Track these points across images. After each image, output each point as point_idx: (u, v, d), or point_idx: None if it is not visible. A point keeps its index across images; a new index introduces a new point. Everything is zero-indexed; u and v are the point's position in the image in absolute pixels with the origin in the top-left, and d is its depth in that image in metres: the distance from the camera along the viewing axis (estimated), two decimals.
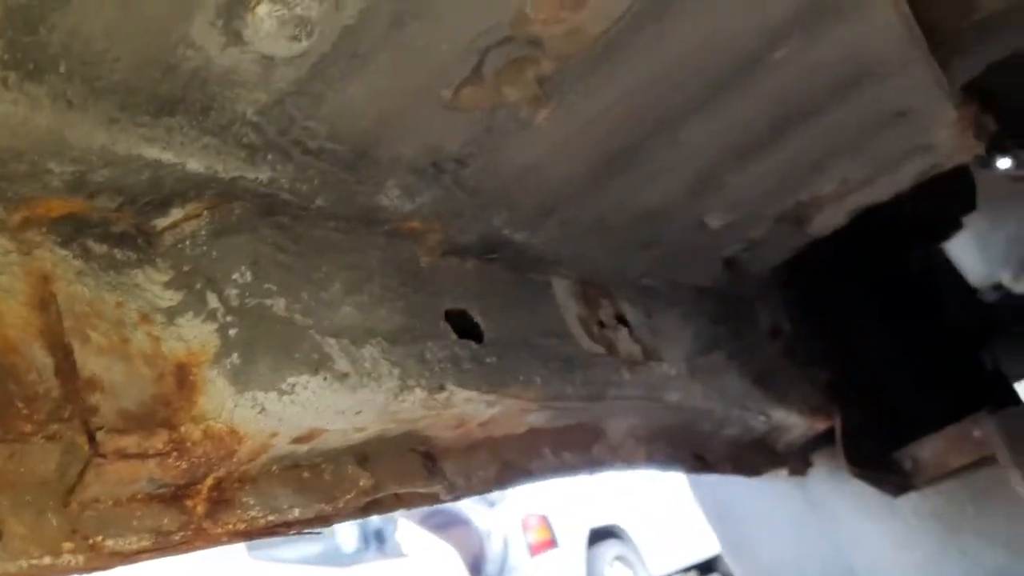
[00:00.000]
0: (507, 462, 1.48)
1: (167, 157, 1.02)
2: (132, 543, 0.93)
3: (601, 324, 1.79)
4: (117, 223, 1.04)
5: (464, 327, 1.39)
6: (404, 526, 9.82)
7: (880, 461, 2.74)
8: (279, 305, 1.08)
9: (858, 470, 2.64)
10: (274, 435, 1.05)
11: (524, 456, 1.53)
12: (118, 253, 1.03)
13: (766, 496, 3.02)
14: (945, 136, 2.05)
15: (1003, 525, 2.64)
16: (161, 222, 1.08)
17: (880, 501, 2.77)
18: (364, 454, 1.21)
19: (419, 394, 1.19)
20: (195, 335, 1.03)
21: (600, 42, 1.24)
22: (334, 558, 9.27)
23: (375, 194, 1.29)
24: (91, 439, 0.89)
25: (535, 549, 10.19)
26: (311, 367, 1.05)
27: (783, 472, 2.66)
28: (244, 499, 1.05)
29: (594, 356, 1.68)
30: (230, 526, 1.02)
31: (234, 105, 1.04)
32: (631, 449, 1.90)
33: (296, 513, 1.10)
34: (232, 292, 1.05)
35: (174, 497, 0.99)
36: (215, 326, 1.03)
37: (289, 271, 1.13)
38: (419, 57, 1.12)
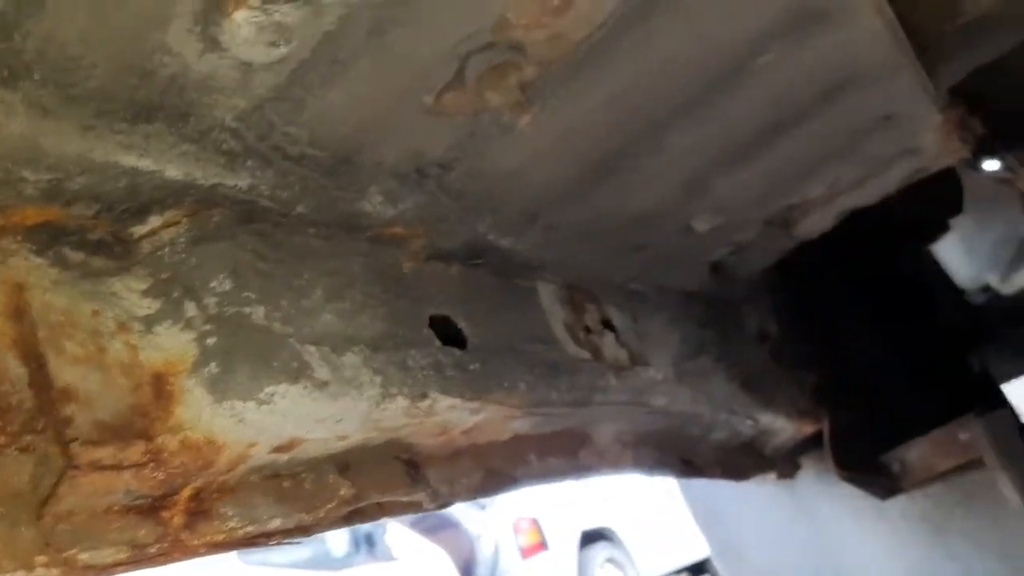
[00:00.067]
0: (492, 469, 1.47)
1: (145, 164, 1.01)
2: (107, 556, 0.92)
3: (587, 329, 1.79)
4: (94, 231, 1.03)
5: (448, 333, 1.39)
6: (394, 529, 9.79)
7: (869, 464, 2.74)
8: (258, 313, 1.07)
9: (846, 473, 2.64)
10: (253, 445, 1.04)
11: (509, 463, 1.52)
12: (95, 261, 1.02)
13: (755, 499, 3.02)
14: (931, 140, 2.05)
15: (990, 527, 2.64)
16: (139, 230, 1.07)
17: (869, 504, 2.77)
18: (346, 462, 1.20)
19: (401, 402, 1.18)
20: (173, 344, 1.01)
21: (583, 48, 1.23)
22: (324, 562, 9.24)
23: (357, 200, 1.28)
24: (65, 450, 0.88)
25: (526, 552, 10.17)
26: (290, 376, 1.04)
27: (771, 476, 2.66)
28: (223, 510, 1.03)
29: (580, 361, 1.67)
30: (208, 537, 1.01)
31: (213, 111, 1.03)
32: (618, 454, 1.89)
33: (276, 523, 1.09)
34: (211, 300, 1.04)
35: (151, 508, 0.98)
36: (193, 335, 1.02)
37: (269, 278, 1.12)
38: (401, 63, 1.11)
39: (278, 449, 1.08)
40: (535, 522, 10.34)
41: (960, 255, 3.88)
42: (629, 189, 1.66)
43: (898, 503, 2.76)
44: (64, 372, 0.91)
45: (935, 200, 3.02)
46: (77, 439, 0.88)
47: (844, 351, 2.99)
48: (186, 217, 1.08)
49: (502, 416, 1.42)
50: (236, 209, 1.12)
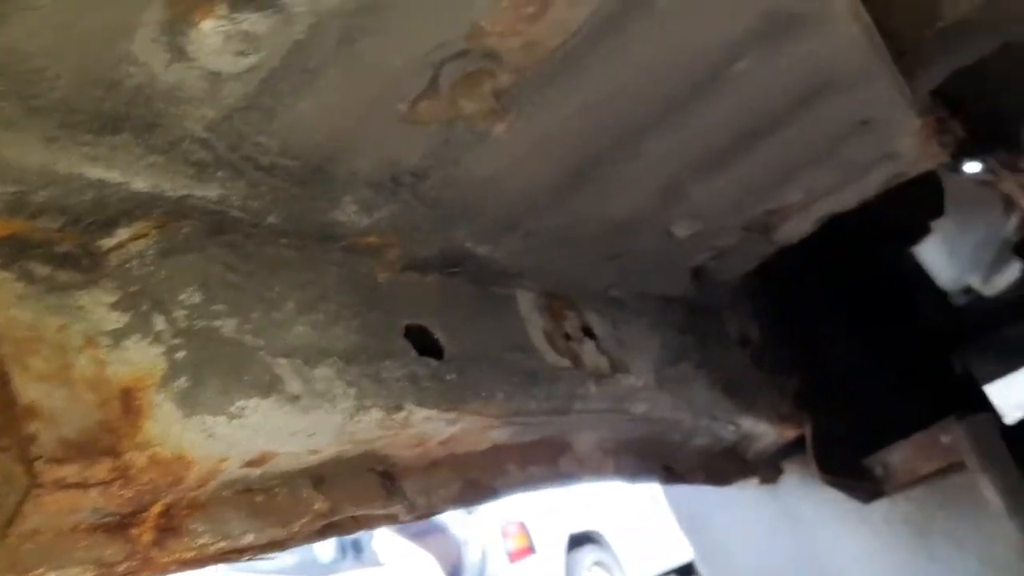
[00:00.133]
0: (470, 479, 1.46)
1: (112, 176, 0.99)
2: (75, 575, 0.90)
3: (567, 337, 1.78)
4: (60, 244, 1.01)
5: (425, 343, 1.37)
6: (381, 535, 9.76)
7: (851, 468, 2.74)
8: (228, 326, 1.05)
9: (829, 477, 2.64)
10: (224, 460, 1.02)
11: (488, 473, 1.51)
12: (61, 275, 1.00)
13: (738, 504, 3.01)
14: (909, 144, 2.05)
15: (972, 530, 2.65)
16: (107, 242, 1.05)
17: (852, 508, 2.77)
18: (320, 476, 1.19)
19: (376, 414, 1.17)
20: (141, 358, 1.00)
21: (558, 55, 1.22)
22: (311, 568, 9.20)
23: (331, 210, 1.26)
24: (30, 469, 0.86)
25: (514, 556, 10.17)
26: (261, 389, 1.03)
27: (754, 481, 2.65)
28: (193, 526, 1.02)
29: (559, 370, 1.66)
30: (179, 554, 1.00)
31: (181, 122, 1.01)
32: (599, 461, 1.88)
33: (249, 538, 1.08)
34: (180, 313, 1.03)
35: (119, 526, 0.96)
36: (162, 349, 1.00)
37: (239, 291, 1.10)
38: (372, 71, 1.10)
39: (250, 464, 1.07)
40: (523, 526, 10.34)
41: (942, 257, 3.90)
42: (606, 196, 1.65)
43: (881, 506, 2.77)
44: (29, 389, 0.90)
45: (916, 203, 3.03)
46: (41, 457, 0.87)
47: (825, 355, 3.00)
48: (155, 229, 1.06)
49: (480, 426, 1.41)
50: (206, 220, 1.11)
